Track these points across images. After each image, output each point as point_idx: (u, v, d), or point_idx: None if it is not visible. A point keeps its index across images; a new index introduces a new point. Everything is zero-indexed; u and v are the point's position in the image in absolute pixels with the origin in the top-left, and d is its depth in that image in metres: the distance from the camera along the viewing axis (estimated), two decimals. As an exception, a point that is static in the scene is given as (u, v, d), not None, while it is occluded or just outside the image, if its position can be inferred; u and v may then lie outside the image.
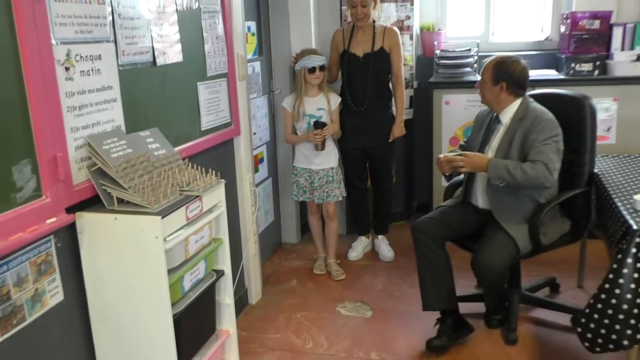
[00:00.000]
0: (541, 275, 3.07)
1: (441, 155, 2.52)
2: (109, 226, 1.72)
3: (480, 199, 2.57)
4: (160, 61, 2.12)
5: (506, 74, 2.43)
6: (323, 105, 3.20)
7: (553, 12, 3.94)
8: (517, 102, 2.47)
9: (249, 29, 3.26)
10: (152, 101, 2.09)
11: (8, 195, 1.49)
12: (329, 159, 3.27)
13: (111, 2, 1.84)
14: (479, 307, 2.77)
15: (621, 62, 3.48)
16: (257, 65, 3.38)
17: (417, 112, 4.05)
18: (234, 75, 2.73)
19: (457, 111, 3.81)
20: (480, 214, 2.57)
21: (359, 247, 3.66)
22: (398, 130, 3.39)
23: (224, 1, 2.60)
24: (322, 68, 3.13)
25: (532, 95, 2.60)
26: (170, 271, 1.77)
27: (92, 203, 1.77)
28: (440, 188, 3.92)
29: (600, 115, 3.51)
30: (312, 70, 3.10)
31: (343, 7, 3.71)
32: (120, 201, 1.77)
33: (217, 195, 2.02)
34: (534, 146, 2.35)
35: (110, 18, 1.85)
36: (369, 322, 2.86)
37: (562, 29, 3.72)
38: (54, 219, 1.62)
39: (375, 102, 3.36)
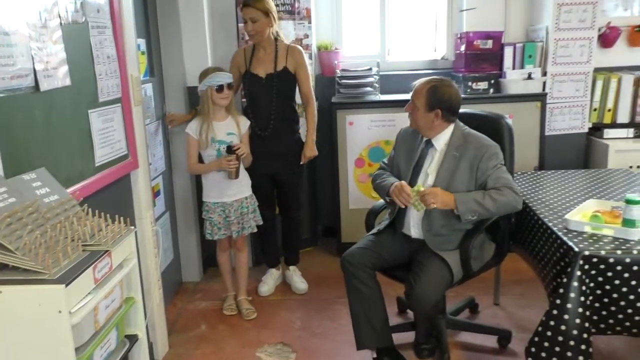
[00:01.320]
0: (458, 295, 3.03)
1: (407, 187, 2.27)
2: (-9, 303, 1.32)
3: (413, 229, 2.43)
4: (44, 86, 1.73)
5: (441, 101, 2.31)
6: (233, 129, 2.90)
7: (448, 32, 4.02)
8: (451, 128, 2.38)
9: (138, 47, 2.89)
10: (35, 135, 1.70)
11: None
12: (242, 187, 2.97)
13: (-22, 13, 1.45)
14: (406, 337, 2.65)
15: (514, 80, 3.62)
16: (149, 87, 3.02)
17: (319, 133, 3.87)
18: (129, 100, 2.37)
19: (361, 131, 3.73)
20: (410, 243, 2.45)
21: (270, 281, 3.40)
22: (310, 150, 3.20)
23: (114, 14, 2.25)
24: (229, 86, 2.84)
25: None
26: (77, 350, 1.40)
27: (-37, 272, 1.36)
28: (347, 211, 3.82)
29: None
30: (219, 89, 2.79)
31: (240, 24, 3.47)
32: (4, 267, 1.37)
33: (127, 247, 1.67)
34: (487, 174, 2.27)
35: (-21, 33, 1.45)
36: (295, 366, 2.62)
37: (460, 48, 3.79)
38: None
39: (281, 125, 3.14)
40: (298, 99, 3.25)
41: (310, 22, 3.72)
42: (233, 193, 2.93)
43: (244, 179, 2.99)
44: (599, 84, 3.67)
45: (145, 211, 2.54)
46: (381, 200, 2.69)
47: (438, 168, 2.37)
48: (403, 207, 2.33)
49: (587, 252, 1.86)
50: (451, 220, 2.30)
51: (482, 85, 3.66)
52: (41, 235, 1.44)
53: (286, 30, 3.65)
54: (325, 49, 3.98)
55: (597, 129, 3.72)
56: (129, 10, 2.39)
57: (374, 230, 2.57)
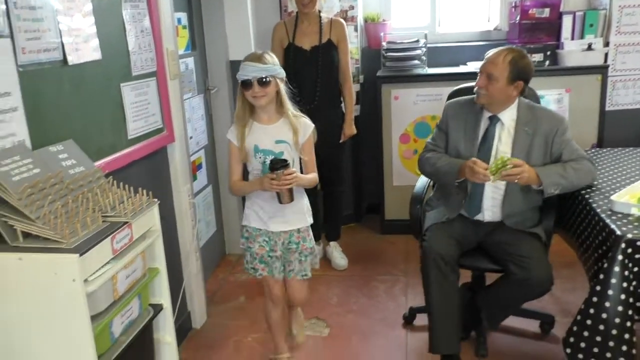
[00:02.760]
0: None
1: (473, 162, 2.12)
2: (13, 268, 1.37)
3: (487, 213, 2.28)
4: (72, 59, 1.76)
5: (524, 72, 2.17)
6: (285, 135, 2.12)
7: (502, 1, 3.80)
8: (516, 102, 2.26)
9: (179, 21, 2.91)
10: (64, 108, 1.74)
11: None
12: (298, 215, 2.19)
13: (4, -12, 1.48)
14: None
15: (572, 51, 3.39)
16: (190, 61, 3.04)
17: (364, 108, 3.83)
18: (165, 74, 2.39)
19: (406, 106, 3.62)
20: (478, 227, 2.30)
21: (310, 256, 3.40)
22: (349, 128, 3.15)
23: (150, -12, 2.25)
24: (263, 82, 2.03)
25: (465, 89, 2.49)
26: (94, 318, 1.44)
27: (-11, 240, 1.42)
28: (392, 188, 3.75)
29: (553, 107, 3.43)
30: (246, 84, 2.04)
31: (286, -2, 3.43)
32: (27, 235, 1.42)
33: (149, 219, 1.70)
34: (562, 147, 2.21)
35: (4, 6, 1.48)
36: (327, 341, 2.61)
37: (514, 17, 3.58)
38: None
39: (325, 99, 3.11)
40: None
41: (356, -7, 3.62)
42: (280, 220, 2.18)
43: (300, 202, 2.19)
44: (669, 55, 3.38)
45: (182, 184, 2.58)
46: (421, 183, 2.59)
47: (512, 146, 2.24)
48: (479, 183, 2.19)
49: (630, 236, 1.72)
50: (532, 197, 2.21)
51: (538, 57, 3.45)
52: (62, 205, 1.48)
53: (330, 2, 3.59)
54: (372, 20, 3.87)
55: (665, 104, 3.44)
56: (165, -17, 2.39)
57: (443, 219, 2.32)
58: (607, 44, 3.39)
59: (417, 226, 2.44)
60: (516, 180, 2.08)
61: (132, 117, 2.14)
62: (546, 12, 3.42)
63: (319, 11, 3.08)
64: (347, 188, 3.45)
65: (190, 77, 3.05)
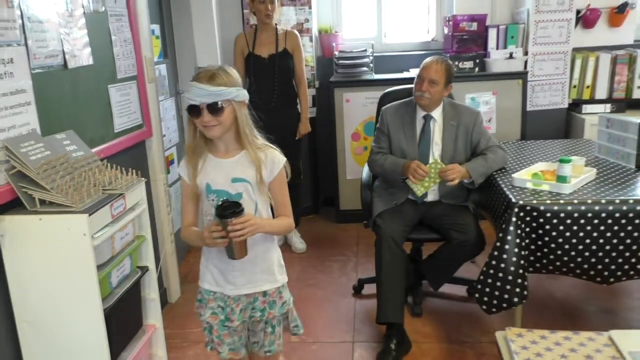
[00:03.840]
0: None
1: (422, 166, 2.54)
2: (34, 227, 1.73)
3: (430, 195, 2.70)
4: (71, 64, 2.13)
5: (452, 77, 2.67)
6: (244, 172, 1.69)
7: (437, 16, 4.32)
8: (442, 101, 2.73)
9: (153, 32, 3.28)
10: (65, 104, 2.11)
11: None
12: (264, 274, 1.76)
13: (20, 6, 1.85)
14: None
15: (497, 59, 3.91)
16: (162, 67, 3.42)
17: (319, 110, 4.27)
18: (143, 78, 2.77)
19: (357, 108, 4.07)
20: (419, 206, 2.72)
21: (272, 241, 3.79)
22: (304, 127, 3.57)
23: (130, 4, 2.64)
24: (215, 108, 1.61)
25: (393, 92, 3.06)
26: (98, 268, 1.81)
27: (12, 206, 1.77)
28: (345, 181, 4.18)
29: (482, 108, 3.94)
30: (193, 111, 1.63)
31: (245, 10, 3.84)
32: (42, 202, 1.79)
33: (138, 194, 2.08)
34: (482, 136, 2.69)
35: (20, 21, 1.85)
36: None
37: (446, 30, 4.10)
38: (-25, 223, 1.61)
39: (282, 101, 3.52)
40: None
41: (310, 8, 4.07)
42: (240, 281, 1.74)
43: (268, 255, 1.77)
44: (578, 63, 3.94)
45: (159, 174, 2.95)
46: (367, 173, 3.02)
47: (442, 138, 2.70)
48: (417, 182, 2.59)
49: (521, 202, 2.20)
50: (461, 182, 2.63)
51: (468, 64, 3.96)
52: (70, 180, 1.86)
53: (287, 15, 4.02)
54: (325, 32, 4.33)
55: (576, 105, 4.00)
56: (142, 0, 2.78)
57: (392, 205, 2.69)
58: (526, 53, 3.92)
59: (368, 208, 2.87)
60: (456, 181, 2.52)
61: (118, 114, 2.51)
62: (474, 26, 3.94)
63: (276, 24, 3.51)
64: (302, 181, 3.86)
65: (163, 82, 3.42)
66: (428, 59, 2.68)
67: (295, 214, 3.74)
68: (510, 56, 3.88)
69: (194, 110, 1.63)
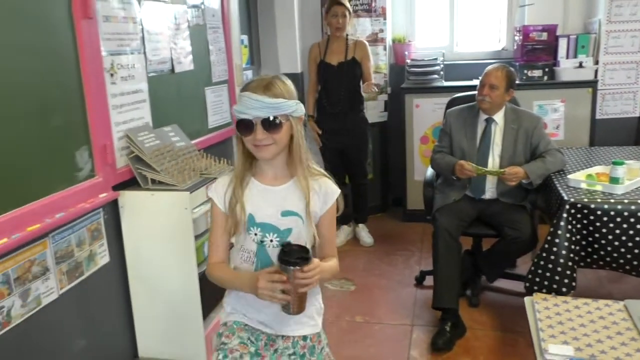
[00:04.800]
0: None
1: (466, 164, 2.77)
2: (146, 201, 2.12)
3: (488, 193, 2.91)
4: (177, 69, 2.54)
5: (514, 83, 2.88)
6: (296, 204, 1.47)
7: (508, 26, 4.47)
8: (504, 106, 2.92)
9: (242, 41, 3.68)
10: (171, 102, 2.51)
11: (73, 173, 1.89)
12: (305, 318, 1.53)
13: (141, 22, 2.26)
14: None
15: (566, 68, 4.01)
16: (249, 73, 3.81)
17: (391, 114, 4.52)
18: (233, 82, 3.15)
19: (426, 113, 4.29)
20: (478, 203, 2.93)
21: (341, 235, 4.09)
22: (371, 86, 3.70)
23: (224, 18, 3.03)
24: (271, 124, 1.39)
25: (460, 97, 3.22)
26: (195, 237, 2.17)
27: (128, 185, 2.18)
28: (413, 182, 4.41)
29: (551, 115, 4.06)
30: (245, 127, 1.40)
31: (324, 22, 4.17)
32: (153, 181, 2.18)
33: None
34: (539, 140, 2.86)
35: (141, 34, 2.26)
36: (353, 294, 3.30)
37: (516, 39, 4.24)
38: (104, 194, 2.02)
39: (348, 105, 3.81)
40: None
41: (385, 19, 4.34)
42: (277, 324, 1.52)
43: (312, 300, 1.54)
44: (651, 72, 3.96)
45: (242, 167, 3.32)
46: (430, 172, 3.26)
47: (502, 140, 2.90)
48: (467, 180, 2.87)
49: (572, 200, 2.36)
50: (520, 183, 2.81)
51: (537, 73, 4.09)
52: (175, 164, 2.24)
53: (364, 26, 4.31)
54: (399, 41, 4.58)
55: (648, 114, 4.01)
56: (235, 14, 3.17)
57: (450, 201, 2.91)
58: (596, 62, 3.99)
59: (430, 204, 3.11)
60: (514, 183, 2.74)
61: (211, 112, 2.90)
62: (544, 36, 4.06)
63: (347, 35, 3.81)
64: (368, 180, 4.12)
65: (249, 86, 3.81)
66: (490, 66, 2.89)
67: (364, 209, 4.11)
68: (580, 65, 3.97)
69: (245, 126, 1.38)
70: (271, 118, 1.37)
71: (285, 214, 1.45)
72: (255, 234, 1.45)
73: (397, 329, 2.87)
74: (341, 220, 4.16)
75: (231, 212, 1.45)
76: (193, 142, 2.62)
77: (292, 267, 1.31)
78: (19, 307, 1.68)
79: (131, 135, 2.15)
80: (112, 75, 2.07)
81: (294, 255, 1.33)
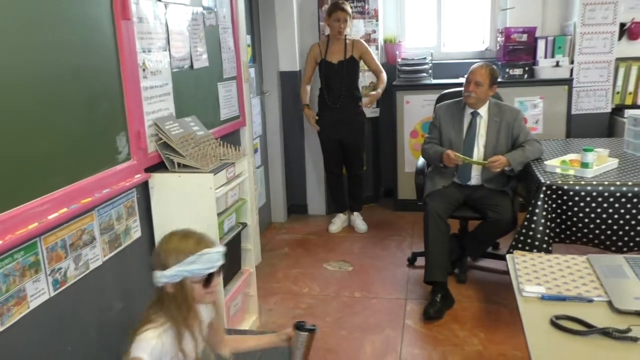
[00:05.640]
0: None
1: (452, 153, 3.06)
2: (174, 183, 2.39)
3: (473, 179, 3.22)
4: (195, 66, 2.80)
5: (496, 80, 3.18)
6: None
7: (491, 27, 4.80)
8: (487, 100, 3.23)
9: (246, 40, 3.95)
10: (190, 95, 2.77)
11: (114, 156, 2.15)
12: None
13: (167, 22, 2.52)
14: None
15: (544, 67, 4.34)
16: (252, 70, 4.08)
17: (382, 110, 4.82)
18: (241, 78, 3.42)
19: (415, 109, 4.60)
20: (464, 188, 3.23)
21: (338, 222, 4.39)
22: (373, 97, 4.10)
23: (233, 19, 3.30)
24: (221, 268, 1.62)
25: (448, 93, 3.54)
26: (217, 215, 2.44)
27: (158, 168, 2.44)
28: (403, 174, 4.71)
29: (530, 111, 4.39)
30: (209, 278, 1.57)
31: (321, 23, 4.46)
32: (179, 165, 2.44)
33: (243, 165, 2.71)
34: (520, 131, 3.16)
35: (166, 34, 2.53)
36: (351, 274, 3.59)
37: (498, 40, 4.57)
38: (138, 176, 2.28)
39: (348, 100, 4.11)
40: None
41: (377, 20, 4.64)
42: None
43: None
44: (621, 71, 4.31)
45: (249, 157, 3.59)
46: (420, 162, 3.57)
47: (486, 131, 3.20)
48: (453, 166, 3.18)
49: (548, 182, 2.68)
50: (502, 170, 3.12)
51: (518, 71, 4.42)
52: (198, 150, 2.51)
53: (357, 27, 4.60)
54: (390, 42, 4.89)
55: (619, 109, 4.36)
56: (242, 16, 3.44)
57: (439, 187, 3.22)
58: (572, 62, 4.33)
59: (421, 190, 3.41)
60: (498, 170, 3.04)
61: (223, 106, 3.17)
62: (525, 37, 4.39)
63: (345, 35, 4.10)
64: (364, 171, 4.42)
65: (252, 82, 4.08)
66: (475, 65, 3.20)
67: (359, 198, 4.41)
68: (557, 64, 4.31)
69: (209, 278, 1.56)
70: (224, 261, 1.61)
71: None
72: None
73: (392, 302, 3.17)
74: (337, 209, 4.45)
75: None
76: (209, 131, 2.89)
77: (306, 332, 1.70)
78: (73, 270, 1.94)
79: (159, 124, 2.41)
80: (143, 70, 2.34)
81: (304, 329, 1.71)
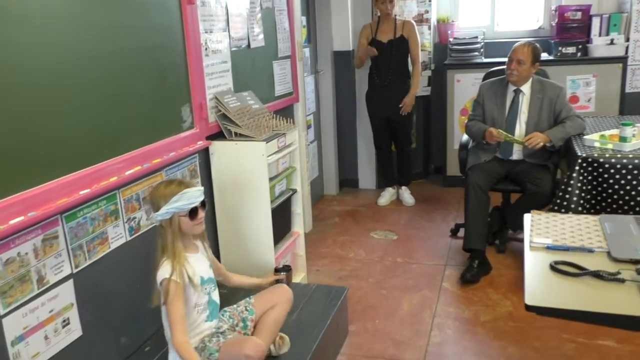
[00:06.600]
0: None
1: (495, 131, 3.17)
2: (232, 149, 2.68)
3: (515, 154, 3.32)
4: (252, 45, 3.07)
5: (539, 57, 3.27)
6: (208, 262, 2.08)
7: (545, 6, 4.80)
8: (530, 78, 3.32)
9: (301, 22, 4.19)
10: (247, 72, 3.05)
11: (179, 124, 2.46)
12: None
13: (227, 6, 2.80)
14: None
15: (598, 45, 4.34)
16: (307, 50, 4.33)
17: (434, 89, 4.95)
18: (295, 57, 3.67)
19: (466, 87, 4.70)
20: (506, 163, 3.34)
21: (386, 195, 4.59)
22: (409, 100, 4.26)
23: (289, 2, 3.54)
24: (204, 204, 1.97)
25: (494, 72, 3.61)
26: (269, 180, 2.72)
27: (218, 136, 2.74)
28: (453, 151, 4.84)
29: (583, 89, 4.41)
30: (193, 213, 1.91)
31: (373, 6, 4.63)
32: (236, 134, 2.73)
33: (293, 136, 2.97)
34: (562, 107, 3.24)
35: (226, 17, 2.81)
36: (396, 242, 3.80)
37: (552, 19, 4.58)
38: (200, 142, 2.59)
39: (396, 78, 4.28)
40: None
41: (430, 0, 4.76)
42: None
43: None
44: (680, 48, 4.24)
45: (302, 131, 3.85)
46: (465, 137, 3.71)
47: (528, 108, 3.31)
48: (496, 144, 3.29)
49: (584, 155, 2.78)
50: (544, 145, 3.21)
51: (571, 49, 4.43)
52: (253, 121, 2.79)
53: (410, 7, 4.74)
54: (443, 21, 4.99)
55: (676, 88, 4.30)
56: (298, -1, 3.68)
57: (480, 161, 3.36)
58: (627, 40, 4.30)
59: (464, 163, 3.56)
60: (539, 145, 3.12)
61: (277, 82, 3.44)
62: (579, 15, 4.39)
63: (395, 15, 4.26)
64: (412, 150, 4.59)
65: (306, 62, 4.33)
66: (517, 43, 3.29)
67: (408, 173, 4.59)
68: (612, 42, 4.29)
69: (194, 212, 1.90)
70: (204, 198, 1.95)
71: (210, 266, 2.07)
72: (206, 289, 2.00)
73: (432, 267, 3.36)
74: (386, 183, 4.66)
75: (190, 282, 1.90)
76: (264, 106, 3.17)
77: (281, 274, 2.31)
78: (145, 220, 2.28)
79: (219, 97, 2.71)
80: (205, 49, 2.63)
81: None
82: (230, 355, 1.90)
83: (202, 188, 1.97)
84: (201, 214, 1.94)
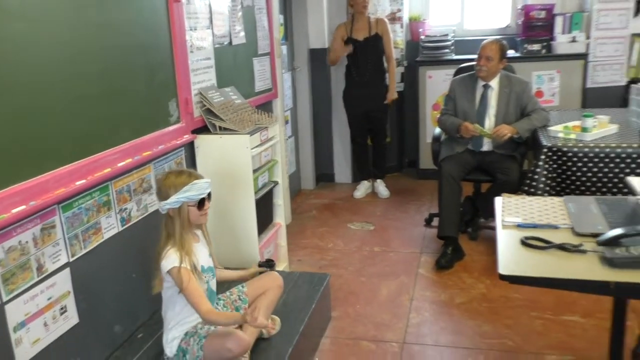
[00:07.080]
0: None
1: (470, 126, 3.33)
2: (216, 143, 2.78)
3: (485, 146, 3.47)
4: (234, 42, 3.17)
5: (506, 54, 3.45)
6: (208, 251, 2.16)
7: (512, 5, 5.02)
8: (499, 73, 3.50)
9: (279, 20, 4.30)
10: (229, 69, 3.15)
11: (167, 118, 2.55)
12: None
13: (210, 4, 2.89)
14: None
15: (562, 43, 4.56)
16: (284, 48, 4.43)
17: (406, 85, 5.12)
18: (274, 54, 3.78)
19: (437, 83, 4.88)
20: (477, 154, 3.50)
21: (362, 189, 4.74)
22: (391, 94, 4.44)
23: (268, 1, 3.65)
24: (210, 195, 2.07)
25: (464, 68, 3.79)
26: (253, 171, 2.82)
27: (202, 130, 2.83)
28: (425, 144, 5.02)
29: (547, 84, 4.63)
30: (202, 203, 2.01)
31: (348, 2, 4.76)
32: (220, 128, 2.83)
33: (275, 130, 3.08)
34: (530, 101, 3.43)
35: (209, 15, 2.90)
36: (372, 232, 3.95)
37: (518, 18, 4.79)
38: (187, 136, 2.68)
39: (373, 74, 4.43)
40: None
41: (402, -1, 4.92)
42: None
43: None
44: (637, 46, 4.49)
45: (281, 126, 3.96)
46: (437, 130, 3.87)
47: (497, 102, 3.48)
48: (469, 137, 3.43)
49: (549, 144, 2.97)
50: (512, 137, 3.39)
51: (536, 47, 4.65)
52: (236, 116, 2.89)
53: (383, 6, 4.89)
54: (414, 20, 5.16)
55: (634, 83, 4.53)
56: (275, -3, 3.78)
57: (453, 152, 3.51)
58: (588, 37, 4.54)
59: (437, 155, 3.72)
60: (507, 137, 3.30)
61: (257, 79, 3.54)
62: (543, 14, 4.61)
63: (368, 14, 4.41)
64: (387, 144, 4.75)
65: (284, 59, 4.43)
66: (485, 41, 3.48)
67: (382, 167, 4.74)
68: (574, 40, 4.52)
69: (202, 202, 2.00)
70: (210, 190, 2.05)
71: (209, 255, 2.16)
72: (205, 277, 2.06)
73: (408, 255, 3.52)
74: (362, 176, 4.80)
75: (194, 270, 1.97)
76: (246, 100, 3.27)
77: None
78: (135, 211, 2.36)
79: (203, 93, 2.80)
80: (190, 45, 2.72)
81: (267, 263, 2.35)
82: (214, 348, 1.96)
83: (210, 180, 2.06)
84: (207, 204, 2.04)
